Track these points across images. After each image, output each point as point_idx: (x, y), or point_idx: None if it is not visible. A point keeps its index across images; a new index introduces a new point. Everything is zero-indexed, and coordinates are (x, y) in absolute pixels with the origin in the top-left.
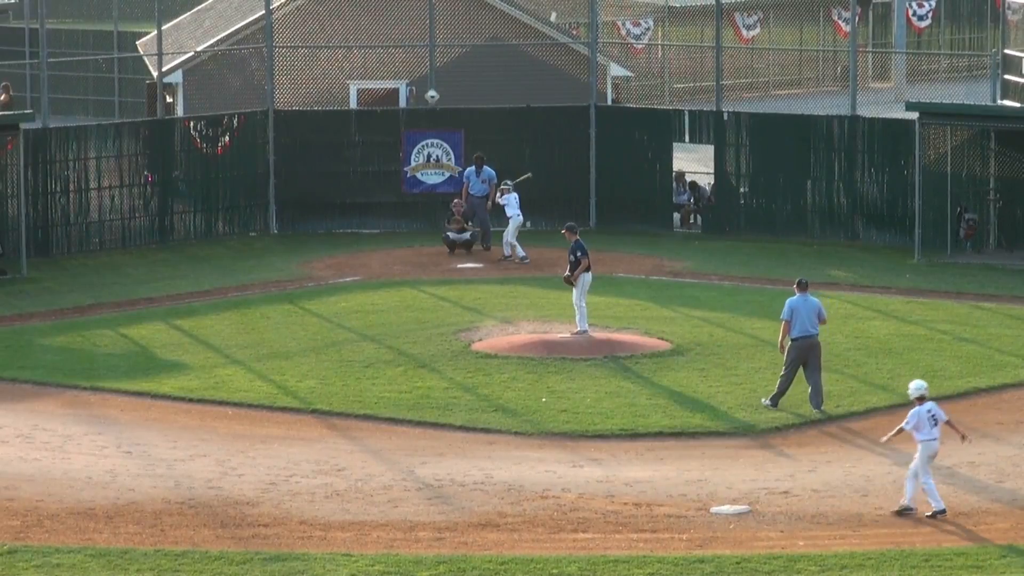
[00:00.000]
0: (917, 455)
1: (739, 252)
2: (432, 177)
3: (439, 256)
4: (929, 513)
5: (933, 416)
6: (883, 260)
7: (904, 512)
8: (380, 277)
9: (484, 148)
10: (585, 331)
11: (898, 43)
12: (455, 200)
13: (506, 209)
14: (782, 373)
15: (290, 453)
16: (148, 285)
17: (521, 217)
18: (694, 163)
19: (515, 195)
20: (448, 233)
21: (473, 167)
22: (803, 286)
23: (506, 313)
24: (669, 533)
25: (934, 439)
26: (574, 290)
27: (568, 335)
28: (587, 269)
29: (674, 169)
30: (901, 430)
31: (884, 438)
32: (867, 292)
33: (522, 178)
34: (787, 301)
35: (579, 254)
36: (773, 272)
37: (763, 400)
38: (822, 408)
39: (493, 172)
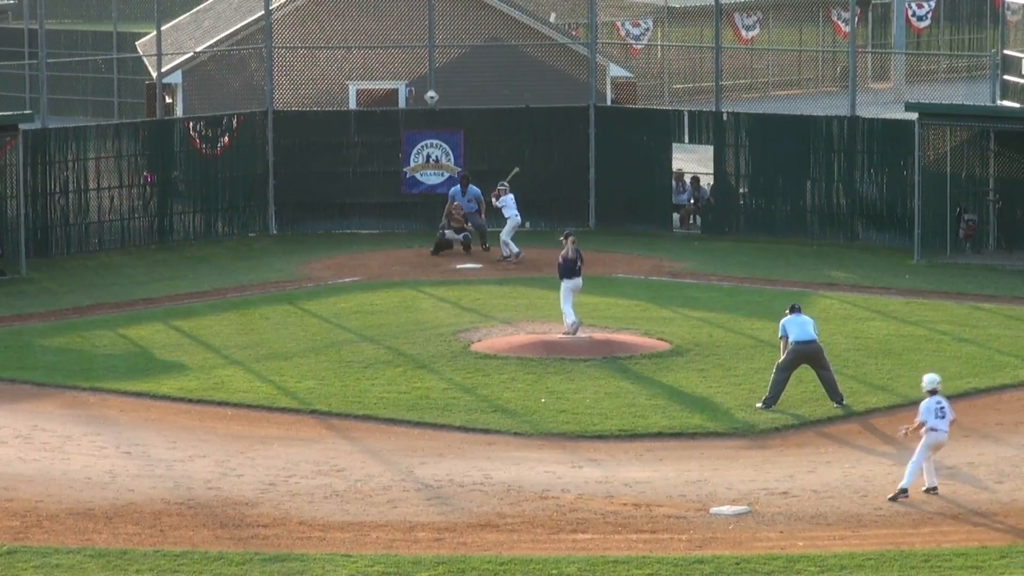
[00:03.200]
0: (920, 443)
1: (738, 253)
2: (431, 178)
3: (438, 257)
4: (924, 487)
5: (941, 408)
6: (882, 261)
7: (899, 496)
8: (379, 278)
9: (483, 148)
10: (576, 324)
11: (897, 44)
12: (454, 203)
13: (504, 210)
14: (773, 376)
15: (289, 454)
16: (147, 286)
17: (519, 218)
18: (694, 164)
19: (512, 196)
20: (445, 231)
21: (459, 186)
22: (795, 310)
23: (505, 314)
24: (668, 534)
25: (939, 431)
26: (565, 294)
27: (563, 336)
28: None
29: (674, 169)
30: (922, 424)
31: (902, 431)
32: (866, 293)
33: (512, 173)
34: (780, 322)
35: (579, 263)
36: (772, 273)
37: (757, 404)
38: (844, 403)
39: (479, 191)
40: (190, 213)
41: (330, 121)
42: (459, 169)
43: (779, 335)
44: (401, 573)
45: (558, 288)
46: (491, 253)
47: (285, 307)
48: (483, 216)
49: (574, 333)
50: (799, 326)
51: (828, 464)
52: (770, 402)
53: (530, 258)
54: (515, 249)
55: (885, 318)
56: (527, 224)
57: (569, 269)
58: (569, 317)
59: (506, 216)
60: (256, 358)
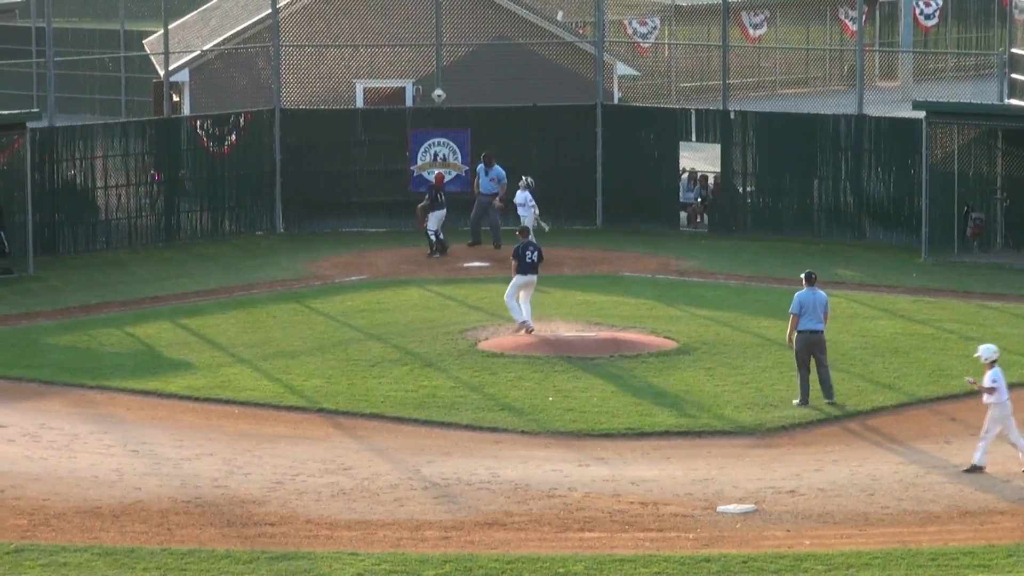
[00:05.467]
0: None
1: (745, 251)
2: (444, 179)
3: (443, 256)
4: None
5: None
6: (890, 259)
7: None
8: (386, 276)
9: (491, 147)
10: (526, 322)
11: (905, 42)
12: (437, 172)
13: (522, 208)
14: (798, 376)
15: (296, 452)
16: (154, 284)
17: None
18: (701, 162)
19: (526, 194)
20: (430, 222)
21: (482, 165)
22: (811, 279)
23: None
24: (675, 532)
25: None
26: (522, 290)
27: (573, 334)
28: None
29: (684, 167)
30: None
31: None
32: (873, 291)
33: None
34: (796, 295)
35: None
36: (779, 271)
37: (793, 401)
38: (834, 400)
39: (503, 171)
40: (197, 211)
41: (337, 119)
42: (465, 168)
43: (790, 310)
44: (408, 571)
45: (563, 286)
46: (502, 251)
47: (292, 305)
48: (502, 199)
49: (527, 331)
50: (812, 309)
51: (835, 463)
52: (805, 398)
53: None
54: None
55: (892, 316)
56: (537, 222)
57: (523, 264)
58: (517, 314)
59: (523, 215)
60: (263, 356)
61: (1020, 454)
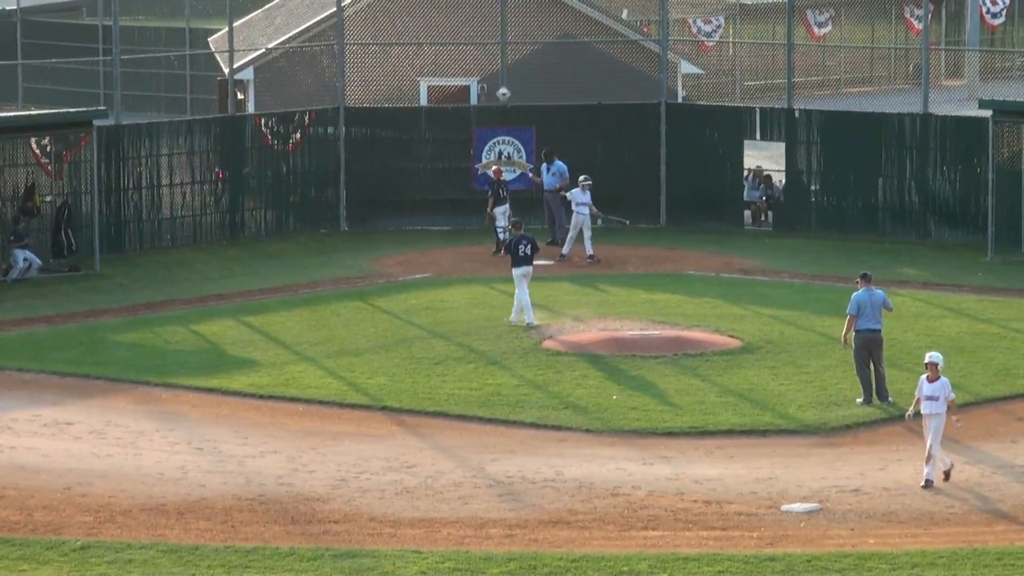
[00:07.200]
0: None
1: (809, 250)
2: (503, 174)
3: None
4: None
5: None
6: (955, 258)
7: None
8: (450, 274)
9: (555, 145)
10: (529, 323)
11: (971, 40)
12: (494, 167)
13: (581, 207)
14: (856, 371)
15: (360, 450)
16: (219, 282)
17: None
18: (765, 161)
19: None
20: (497, 219)
21: (544, 162)
22: (867, 279)
23: (576, 311)
24: (739, 531)
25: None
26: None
27: (637, 333)
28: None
29: (749, 166)
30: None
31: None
32: (939, 290)
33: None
34: (852, 295)
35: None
36: (844, 270)
37: (857, 400)
38: (890, 401)
39: (564, 166)
40: (261, 209)
41: (401, 117)
42: (530, 166)
43: (848, 311)
44: (472, 570)
45: (628, 284)
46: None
47: (356, 303)
48: (563, 191)
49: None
50: (870, 309)
51: (899, 462)
52: (868, 396)
53: (601, 255)
54: (566, 250)
55: (958, 316)
56: (599, 221)
57: (516, 257)
58: (515, 312)
59: (580, 212)
60: (327, 354)
61: (929, 466)
